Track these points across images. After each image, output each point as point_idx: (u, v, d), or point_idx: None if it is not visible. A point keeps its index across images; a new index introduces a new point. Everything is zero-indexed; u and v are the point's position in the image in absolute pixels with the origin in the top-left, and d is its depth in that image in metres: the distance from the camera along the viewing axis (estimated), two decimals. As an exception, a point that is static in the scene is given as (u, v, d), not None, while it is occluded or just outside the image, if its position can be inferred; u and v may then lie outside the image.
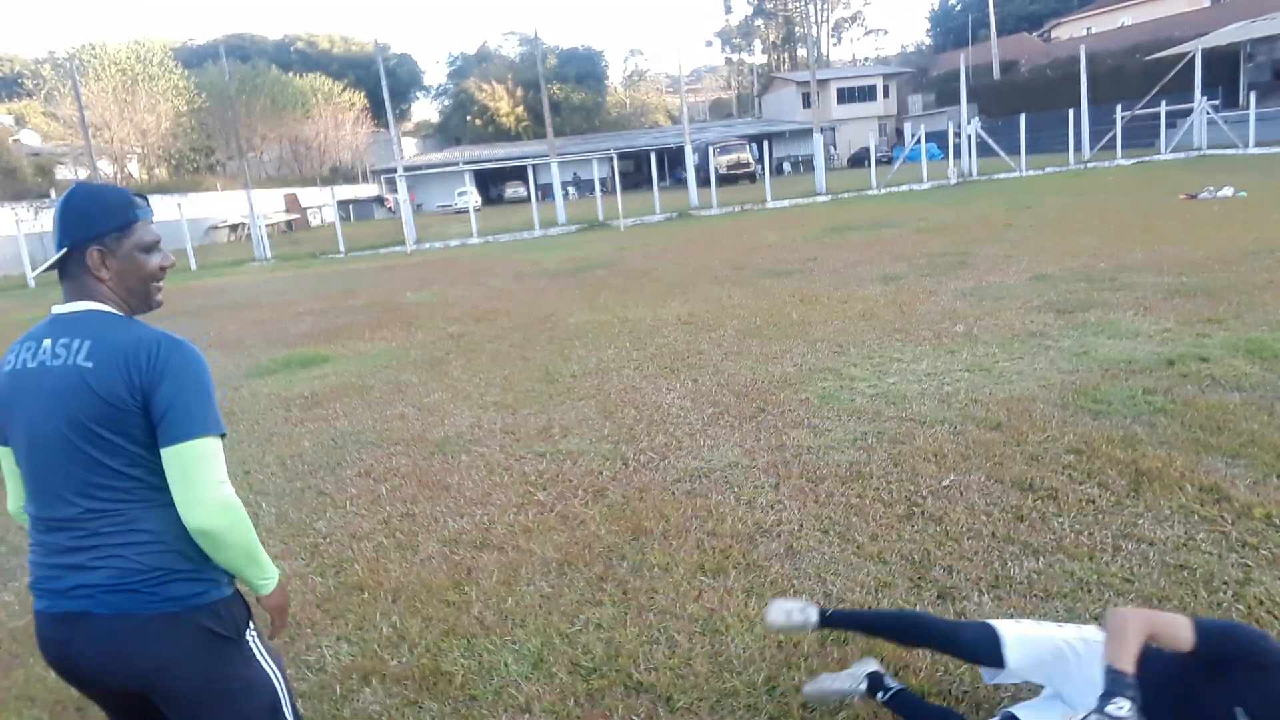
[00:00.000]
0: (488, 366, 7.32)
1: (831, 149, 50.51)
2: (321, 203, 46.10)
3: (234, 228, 39.51)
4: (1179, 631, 1.76)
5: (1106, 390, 4.94)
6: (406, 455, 5.12)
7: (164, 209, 31.42)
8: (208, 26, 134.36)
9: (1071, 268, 9.11)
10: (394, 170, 31.87)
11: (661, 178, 39.54)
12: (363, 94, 59.94)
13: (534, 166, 28.14)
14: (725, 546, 3.49)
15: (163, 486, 1.52)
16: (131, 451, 1.53)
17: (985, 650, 2.12)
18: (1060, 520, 3.44)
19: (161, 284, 1.72)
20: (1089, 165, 26.38)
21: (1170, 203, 14.67)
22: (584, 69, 68.26)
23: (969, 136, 26.97)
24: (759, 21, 79.15)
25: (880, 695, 2.32)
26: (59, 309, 1.62)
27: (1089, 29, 54.29)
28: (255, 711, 1.65)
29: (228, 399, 7.04)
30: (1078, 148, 27.47)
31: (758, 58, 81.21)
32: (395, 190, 33.40)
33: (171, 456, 1.50)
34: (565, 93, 64.47)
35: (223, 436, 1.57)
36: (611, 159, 30.82)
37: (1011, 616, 2.80)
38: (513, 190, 49.53)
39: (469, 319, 9.95)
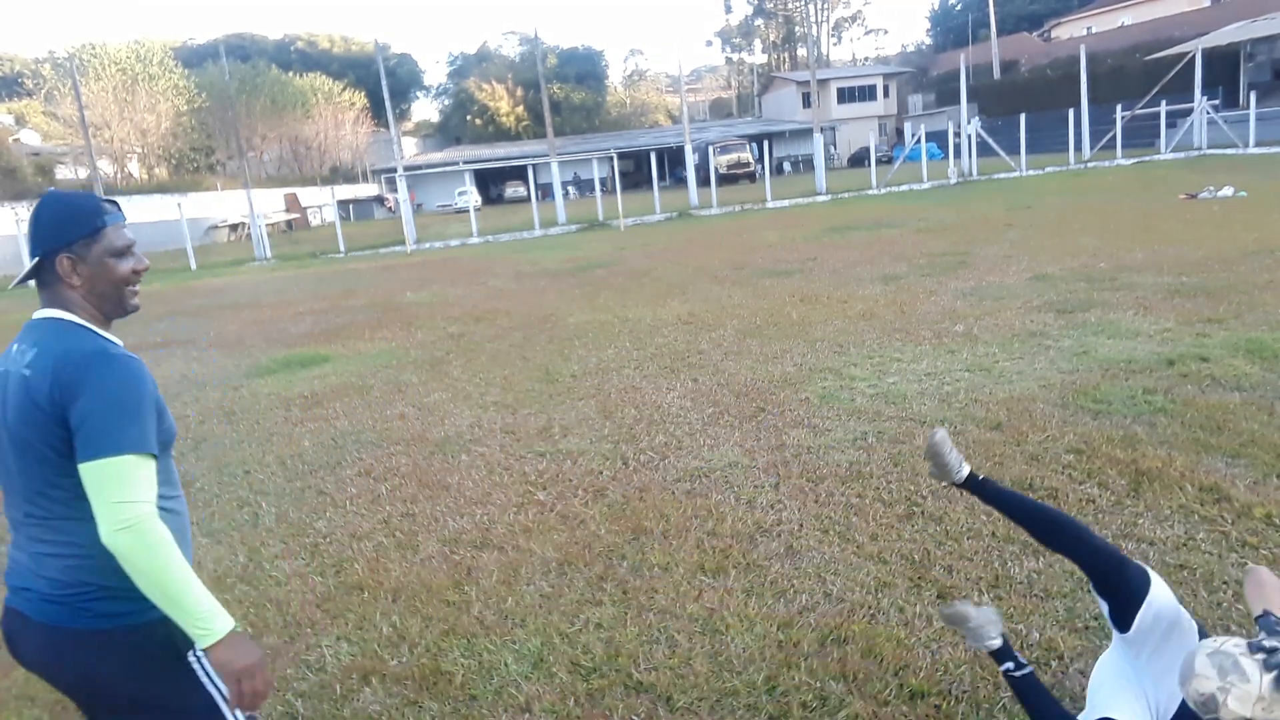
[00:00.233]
0: (488, 366, 7.32)
1: (831, 149, 50.50)
2: (321, 202, 46.12)
3: (234, 227, 39.51)
4: None
5: (1106, 390, 4.94)
6: (406, 455, 5.12)
7: (164, 209, 31.42)
8: (208, 26, 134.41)
9: (1071, 268, 9.11)
10: (394, 170, 31.88)
11: (661, 177, 39.52)
12: (363, 94, 59.92)
13: (534, 166, 28.14)
14: (725, 546, 3.49)
15: None
16: (59, 462, 1.52)
17: (1137, 584, 1.87)
18: (1060, 520, 3.44)
19: (136, 288, 1.70)
20: (1089, 165, 26.38)
21: (1170, 203, 14.67)
22: (584, 69, 68.24)
23: (969, 136, 26.97)
24: (759, 21, 79.16)
25: (1011, 668, 2.01)
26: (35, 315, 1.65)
27: (1089, 29, 54.27)
28: None
29: (228, 399, 7.05)
30: (1078, 148, 27.47)
31: (758, 58, 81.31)
32: (395, 190, 33.41)
33: (83, 472, 1.48)
34: (565, 92, 64.45)
35: (153, 456, 1.52)
36: (611, 159, 30.83)
37: (1011, 617, 2.80)
38: (513, 190, 49.53)
39: (469, 319, 9.95)
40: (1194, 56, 27.64)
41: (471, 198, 30.43)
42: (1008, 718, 2.35)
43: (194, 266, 23.41)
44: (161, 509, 1.60)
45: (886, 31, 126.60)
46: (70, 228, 1.60)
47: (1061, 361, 5.68)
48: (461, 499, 4.32)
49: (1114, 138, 26.97)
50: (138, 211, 33.67)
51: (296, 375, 7.74)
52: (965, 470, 2.26)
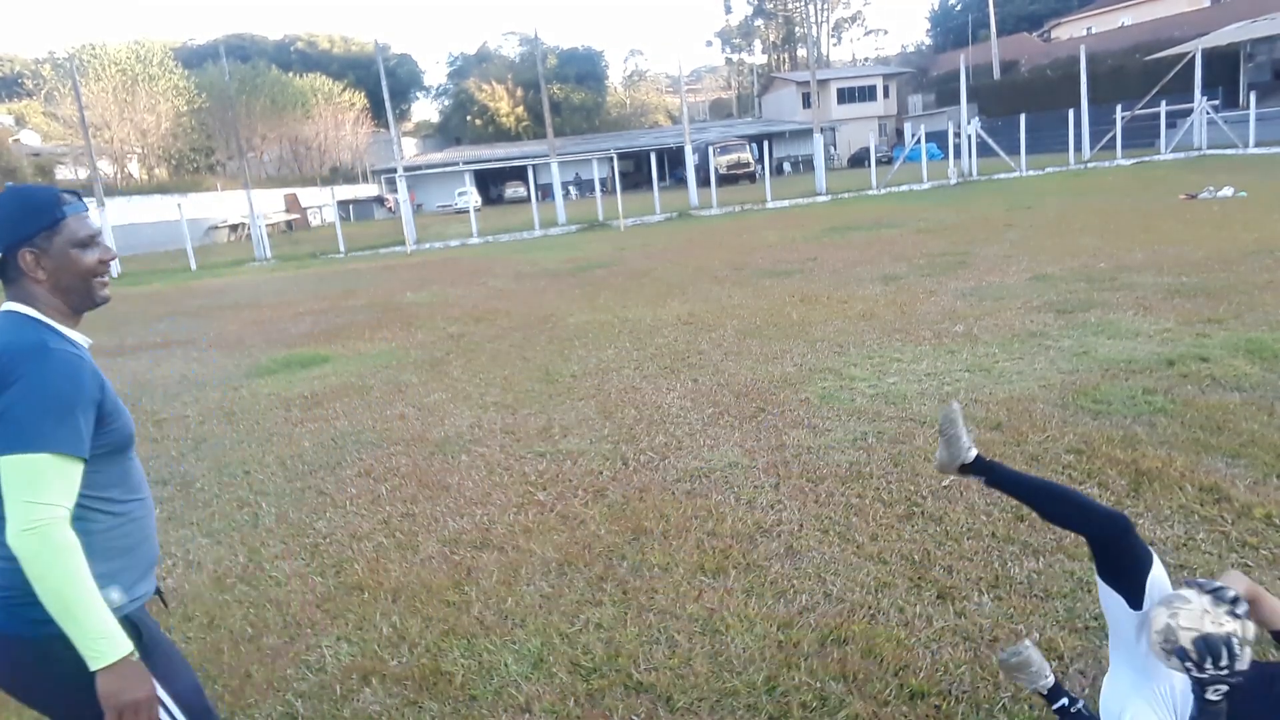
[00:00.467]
0: (488, 366, 7.32)
1: (831, 149, 50.53)
2: (321, 203, 46.13)
3: (234, 228, 39.51)
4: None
5: (1106, 390, 4.94)
6: (406, 455, 5.12)
7: (164, 209, 31.44)
8: (208, 26, 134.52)
9: (1071, 268, 9.11)
10: (394, 170, 31.86)
11: (661, 178, 39.56)
12: (363, 94, 59.93)
13: (534, 166, 28.16)
14: (725, 546, 3.49)
15: None
16: None
17: (1142, 551, 1.90)
18: (1060, 520, 3.44)
19: (105, 279, 1.67)
20: (1089, 165, 26.39)
21: (1170, 203, 14.67)
22: (584, 69, 68.28)
23: (969, 136, 26.97)
24: (759, 21, 79.19)
25: (1065, 705, 2.06)
26: None
27: (1089, 29, 54.29)
28: None
29: (228, 399, 7.05)
30: (1078, 148, 27.47)
31: (758, 58, 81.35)
32: (395, 190, 33.41)
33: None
34: (565, 93, 64.49)
35: (79, 459, 1.48)
36: (611, 159, 30.85)
37: (1011, 617, 2.81)
38: (513, 190, 49.55)
39: (469, 319, 9.95)
40: (1194, 57, 27.65)
41: (471, 198, 30.45)
42: (1008, 718, 2.35)
43: (194, 267, 23.42)
44: (111, 513, 1.58)
45: (886, 32, 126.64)
46: (29, 221, 1.57)
47: (1061, 361, 5.68)
48: (461, 499, 4.32)
49: (1114, 138, 26.97)
50: (138, 212, 33.78)
51: (296, 375, 7.74)
52: (974, 452, 2.26)
